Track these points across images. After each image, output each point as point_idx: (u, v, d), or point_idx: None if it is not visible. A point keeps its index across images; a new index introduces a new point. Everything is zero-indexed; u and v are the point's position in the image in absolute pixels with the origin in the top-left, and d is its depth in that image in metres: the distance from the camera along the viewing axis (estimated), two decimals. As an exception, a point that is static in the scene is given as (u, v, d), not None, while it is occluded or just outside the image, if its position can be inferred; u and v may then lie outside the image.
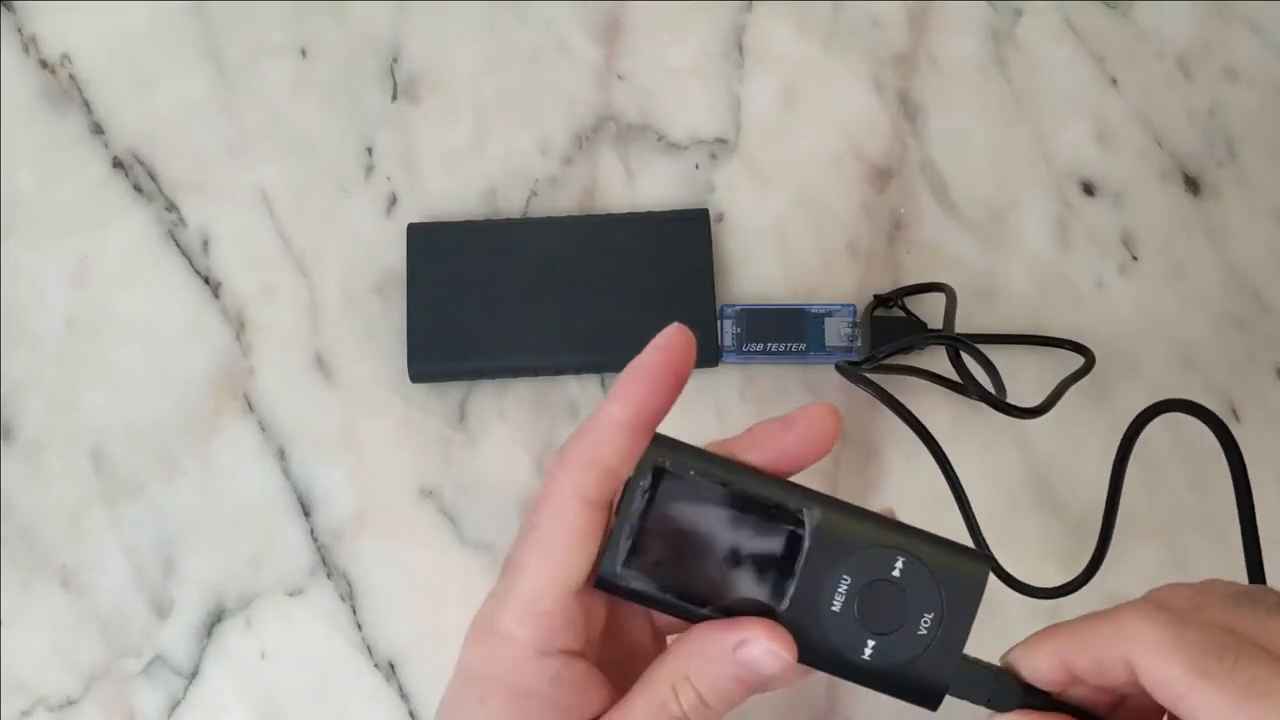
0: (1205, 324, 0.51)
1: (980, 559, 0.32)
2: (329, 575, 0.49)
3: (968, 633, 0.31)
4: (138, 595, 0.49)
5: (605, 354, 0.50)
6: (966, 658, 0.31)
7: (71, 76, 0.54)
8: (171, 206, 0.53)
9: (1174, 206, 0.53)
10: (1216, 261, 0.52)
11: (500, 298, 0.50)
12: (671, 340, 0.31)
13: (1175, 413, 0.42)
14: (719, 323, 0.50)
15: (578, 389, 0.51)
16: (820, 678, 0.48)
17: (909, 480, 0.49)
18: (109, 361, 0.51)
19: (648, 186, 0.53)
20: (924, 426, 0.45)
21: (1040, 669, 0.30)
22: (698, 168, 0.53)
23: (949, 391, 0.49)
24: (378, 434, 0.50)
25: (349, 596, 0.48)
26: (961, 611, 0.31)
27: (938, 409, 0.49)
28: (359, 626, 0.48)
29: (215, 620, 0.48)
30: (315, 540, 0.49)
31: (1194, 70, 0.55)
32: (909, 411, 0.45)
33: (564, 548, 0.30)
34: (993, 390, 0.46)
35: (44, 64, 0.55)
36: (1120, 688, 0.29)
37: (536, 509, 0.31)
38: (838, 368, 0.48)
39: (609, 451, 0.31)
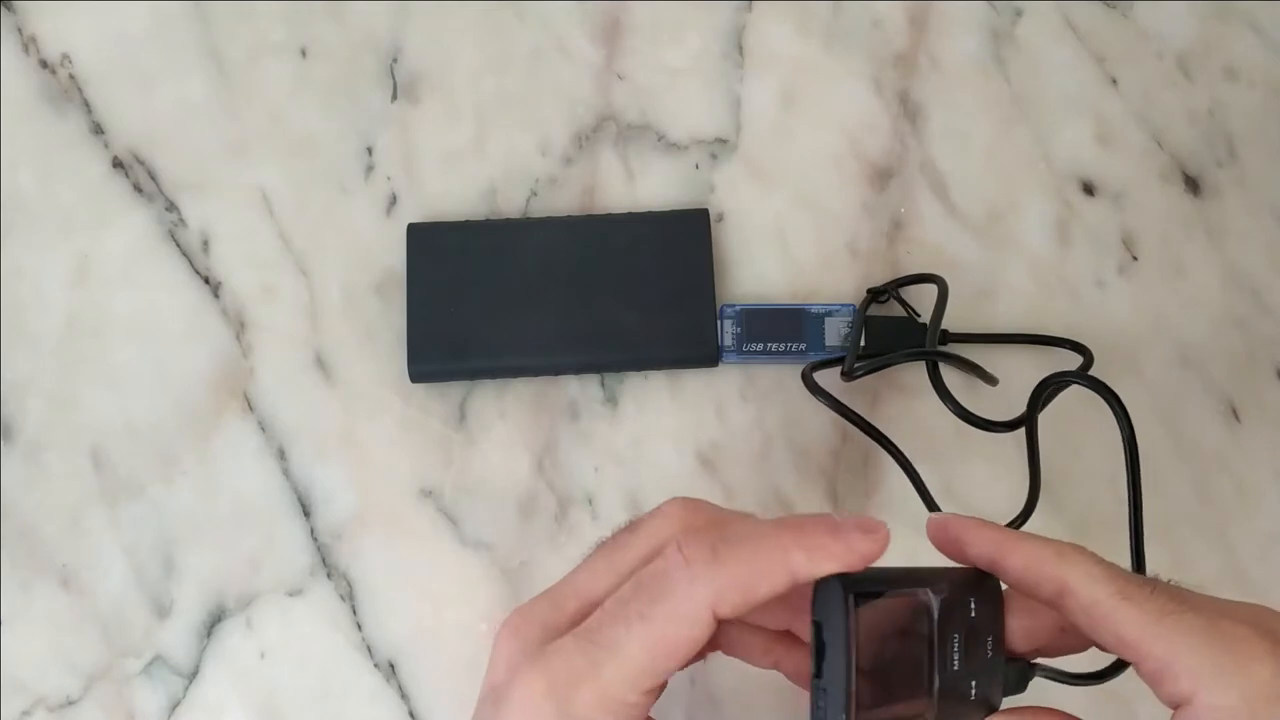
0: (1205, 324, 0.51)
1: (990, 577, 0.33)
2: (329, 575, 0.49)
3: (1004, 637, 0.33)
4: (138, 595, 0.49)
5: (605, 354, 0.50)
6: (1006, 660, 0.33)
7: (71, 76, 0.54)
8: (171, 206, 0.53)
9: (1174, 206, 0.53)
10: (1216, 261, 0.52)
11: (500, 298, 0.50)
12: (878, 536, 0.31)
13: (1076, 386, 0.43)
14: (719, 322, 0.50)
15: (578, 389, 0.51)
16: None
17: (905, 480, 0.49)
18: (109, 361, 0.51)
19: (648, 186, 0.53)
20: (885, 437, 0.46)
21: (974, 551, 0.33)
22: (698, 168, 0.53)
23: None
24: (378, 434, 0.50)
25: (349, 596, 0.48)
26: (997, 621, 0.33)
27: (939, 410, 0.49)
28: (359, 626, 0.48)
29: (215, 620, 0.48)
30: (315, 540, 0.49)
31: (1194, 70, 0.55)
32: (868, 423, 0.46)
33: (674, 652, 0.30)
34: (985, 381, 0.46)
35: (44, 64, 0.55)
36: (1043, 601, 0.32)
37: (655, 597, 0.29)
38: (803, 375, 0.47)
39: (765, 588, 0.30)
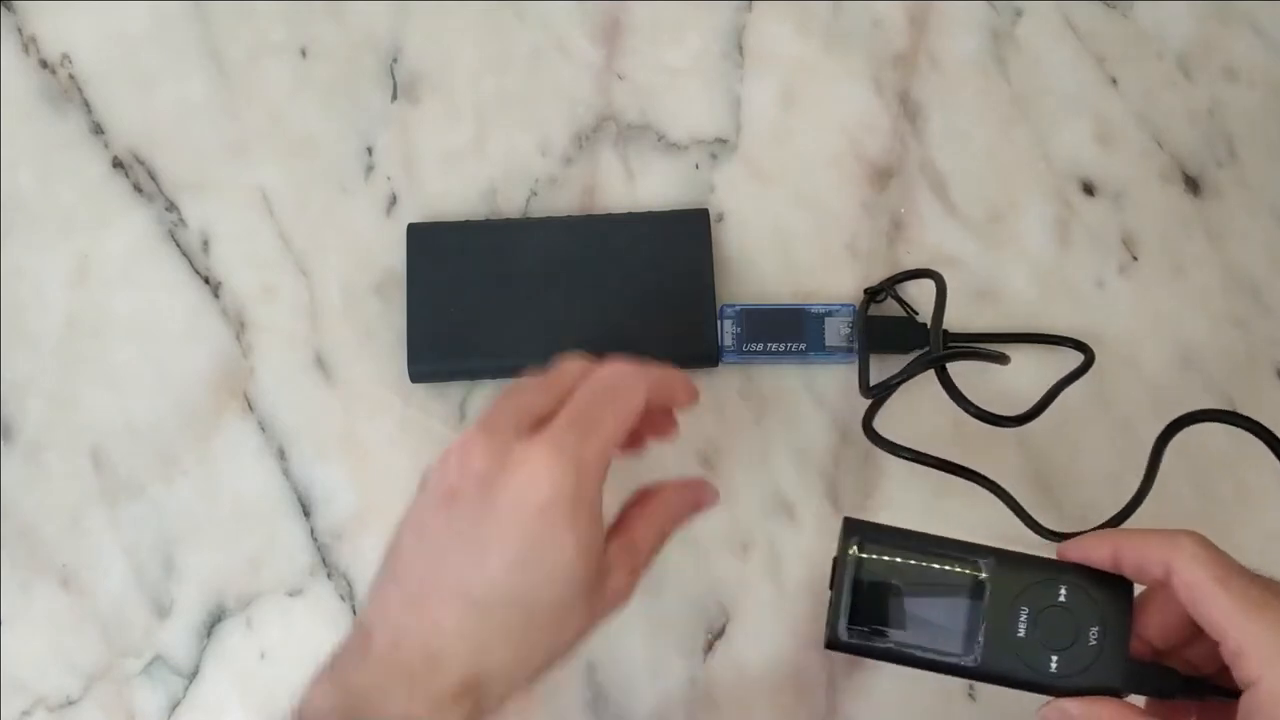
0: (1205, 324, 0.51)
1: (1122, 579, 0.38)
2: (329, 575, 0.49)
3: (1129, 638, 0.37)
4: (138, 595, 0.49)
5: (605, 354, 0.50)
6: (1131, 658, 0.37)
7: (71, 76, 0.54)
8: (171, 206, 0.53)
9: (1174, 206, 0.53)
10: (1216, 261, 0.52)
11: (500, 298, 0.50)
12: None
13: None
14: (719, 323, 0.50)
15: (578, 389, 0.51)
16: (819, 679, 0.48)
17: (909, 481, 0.49)
18: (109, 361, 0.51)
19: (648, 186, 0.53)
20: (959, 467, 0.46)
21: (1094, 554, 0.37)
22: (698, 168, 0.53)
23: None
24: (378, 434, 0.50)
25: (349, 596, 0.48)
26: (1120, 622, 0.37)
27: (939, 410, 0.49)
28: (359, 626, 0.48)
29: (215, 620, 0.48)
30: (315, 540, 0.49)
31: (1194, 70, 0.55)
32: (941, 460, 0.46)
33: (629, 427, 0.39)
34: (997, 363, 0.47)
35: (44, 64, 0.55)
36: (1155, 584, 0.36)
37: (616, 392, 0.39)
38: (866, 431, 0.47)
39: (679, 388, 0.42)
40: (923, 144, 0.54)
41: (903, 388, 0.47)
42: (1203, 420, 0.46)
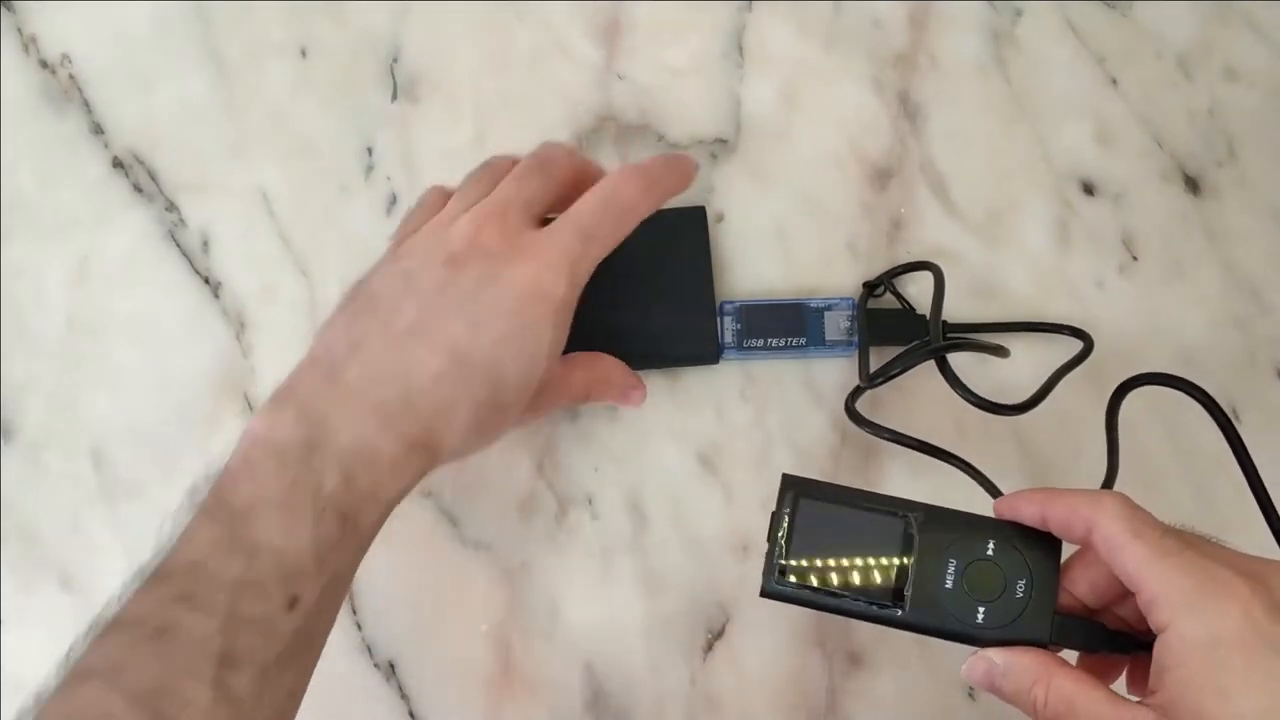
0: (1205, 324, 0.51)
1: (1051, 537, 0.38)
2: (329, 575, 0.49)
3: (1056, 592, 0.38)
4: (138, 595, 0.49)
5: (605, 354, 0.50)
6: (1057, 613, 0.38)
7: (71, 76, 0.54)
8: (171, 206, 0.53)
9: (1174, 206, 0.53)
10: (1216, 261, 0.52)
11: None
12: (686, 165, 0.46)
13: (1155, 385, 0.44)
14: (719, 319, 0.50)
15: (578, 389, 0.51)
16: (819, 679, 0.48)
17: (910, 480, 0.49)
18: (109, 361, 0.51)
19: (648, 186, 0.53)
20: (936, 448, 0.46)
21: (1024, 512, 0.38)
22: (697, 167, 0.53)
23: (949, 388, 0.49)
24: (378, 434, 0.50)
25: (349, 596, 0.48)
26: (1048, 577, 0.38)
27: (938, 405, 0.49)
28: (359, 626, 0.48)
29: (215, 620, 0.48)
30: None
31: (1194, 70, 0.55)
32: (918, 440, 0.46)
33: (621, 240, 0.43)
34: (997, 355, 0.47)
35: (44, 64, 0.55)
36: (1080, 541, 0.37)
37: (623, 209, 0.43)
38: (848, 412, 0.48)
39: (669, 187, 0.45)
40: (923, 144, 0.54)
41: (901, 384, 0.47)
42: (1144, 384, 0.45)
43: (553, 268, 0.41)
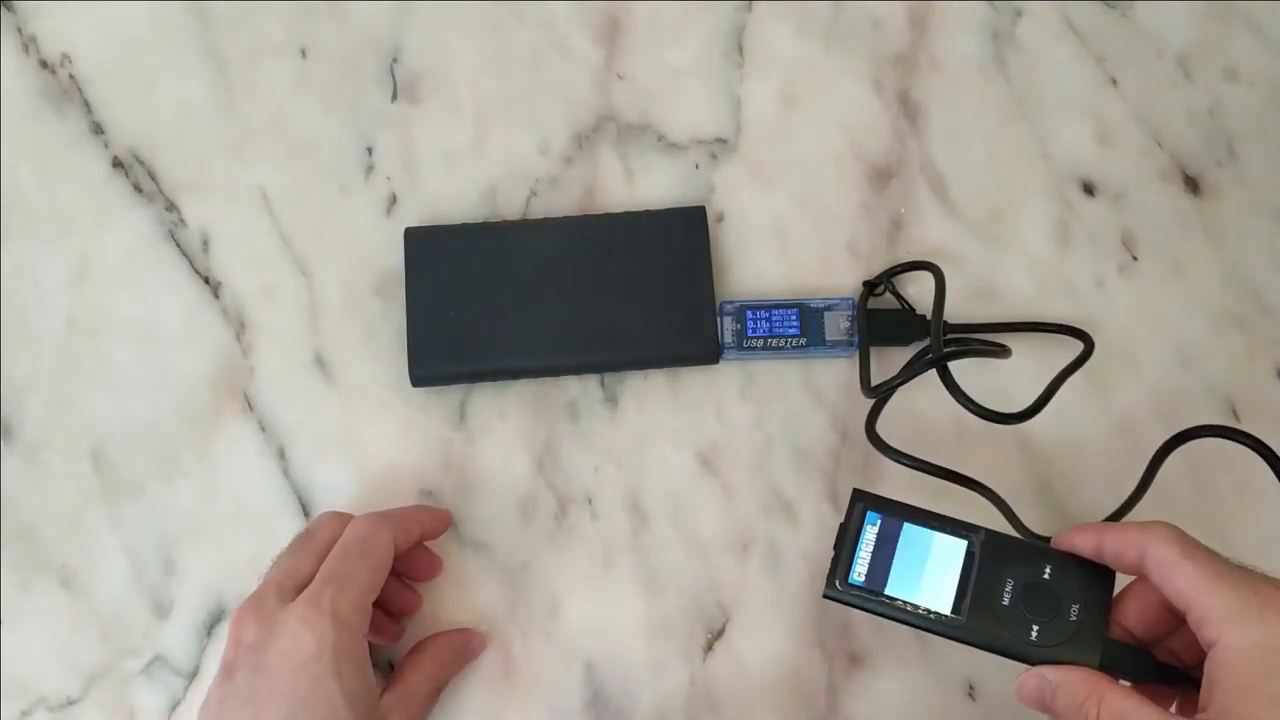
0: (1205, 324, 0.51)
1: (1104, 568, 0.40)
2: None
3: (1108, 619, 0.39)
4: (138, 595, 0.49)
5: (605, 354, 0.50)
6: (1109, 639, 0.39)
7: (71, 76, 0.54)
8: (171, 206, 0.53)
9: (1174, 206, 0.53)
10: (1216, 261, 0.52)
11: (499, 300, 0.50)
12: (440, 517, 0.48)
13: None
14: (719, 319, 0.50)
15: (578, 389, 0.51)
16: (819, 679, 0.48)
17: (910, 482, 0.49)
18: (109, 361, 0.51)
19: (647, 186, 0.53)
20: (960, 475, 0.46)
21: (1080, 544, 0.40)
22: (698, 167, 0.53)
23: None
24: (378, 434, 0.50)
25: (349, 596, 0.48)
26: (1100, 603, 0.40)
27: (939, 406, 0.49)
28: (359, 626, 0.48)
29: (215, 620, 0.48)
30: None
31: (1194, 70, 0.55)
32: (941, 467, 0.46)
33: (383, 572, 0.43)
34: (999, 356, 0.47)
35: (44, 64, 0.55)
36: (1133, 569, 0.38)
37: (364, 545, 0.43)
38: (869, 436, 0.47)
39: (416, 532, 0.46)
40: (923, 144, 0.54)
41: (904, 387, 0.47)
42: (1204, 436, 0.46)
43: (309, 625, 0.40)
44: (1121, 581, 0.40)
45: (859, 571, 0.42)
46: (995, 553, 0.41)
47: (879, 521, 0.43)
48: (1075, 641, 0.39)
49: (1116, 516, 0.47)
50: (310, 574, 0.43)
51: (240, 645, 0.41)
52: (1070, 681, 0.38)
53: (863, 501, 0.43)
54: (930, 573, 0.41)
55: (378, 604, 0.44)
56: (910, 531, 0.42)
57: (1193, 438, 0.46)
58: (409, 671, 0.45)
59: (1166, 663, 0.39)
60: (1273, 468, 0.44)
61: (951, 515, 0.42)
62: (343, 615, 0.41)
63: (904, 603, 0.41)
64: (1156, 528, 0.38)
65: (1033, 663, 0.39)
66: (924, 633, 0.41)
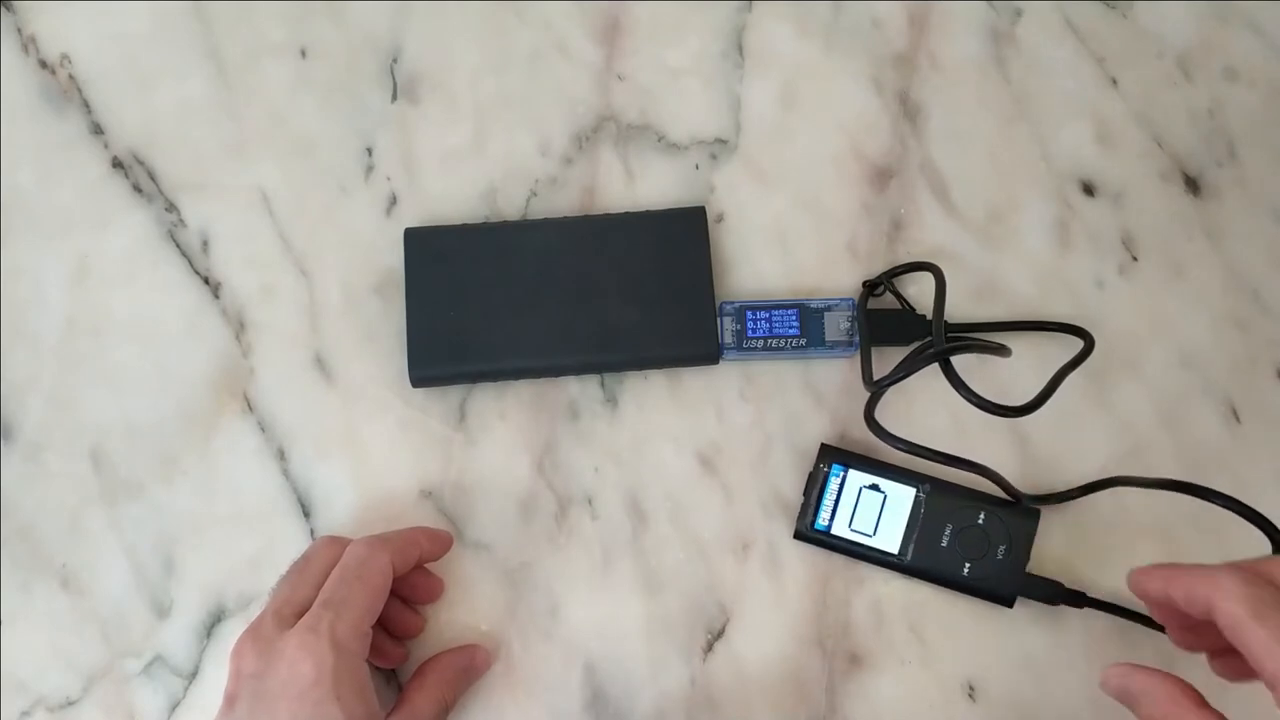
0: (1205, 324, 0.51)
1: (1032, 511, 0.47)
2: (329, 575, 0.49)
3: (1029, 555, 0.47)
4: (138, 595, 0.49)
5: (605, 354, 0.50)
6: (1029, 573, 0.47)
7: (71, 76, 0.54)
8: (171, 206, 0.53)
9: (1174, 206, 0.53)
10: (1216, 261, 0.52)
11: (499, 301, 0.50)
12: (440, 540, 0.48)
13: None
14: (719, 320, 0.50)
15: (578, 389, 0.51)
16: (819, 679, 0.48)
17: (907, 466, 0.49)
18: (109, 361, 0.51)
19: (647, 187, 0.53)
20: (956, 457, 0.46)
21: (1149, 588, 0.40)
22: (698, 168, 0.53)
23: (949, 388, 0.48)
24: (378, 434, 0.50)
25: (349, 596, 0.48)
26: (1023, 545, 0.47)
27: (938, 403, 0.49)
28: (359, 626, 0.48)
29: (215, 620, 0.48)
30: (315, 540, 0.49)
31: (1194, 70, 0.55)
32: (937, 451, 0.46)
33: (382, 595, 0.43)
34: (999, 355, 0.47)
35: (44, 64, 0.55)
36: (1199, 618, 0.38)
37: (361, 569, 0.43)
38: (868, 422, 0.47)
39: (414, 555, 0.46)
40: (923, 144, 0.54)
41: (902, 383, 0.47)
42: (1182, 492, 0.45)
43: (307, 651, 0.40)
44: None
45: (824, 516, 0.48)
46: (939, 500, 0.48)
47: (842, 473, 0.48)
48: (998, 575, 0.47)
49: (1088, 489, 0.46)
50: (308, 600, 0.43)
51: (240, 675, 0.41)
52: (1155, 696, 0.37)
53: (829, 454, 0.49)
54: (884, 517, 0.48)
55: (379, 627, 0.44)
56: (868, 481, 0.48)
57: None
58: (413, 693, 0.45)
59: (1072, 589, 0.47)
60: (1263, 530, 0.44)
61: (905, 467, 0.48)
62: (341, 640, 0.41)
63: (859, 544, 0.48)
64: (1220, 580, 0.36)
65: (964, 591, 0.47)
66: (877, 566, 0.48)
